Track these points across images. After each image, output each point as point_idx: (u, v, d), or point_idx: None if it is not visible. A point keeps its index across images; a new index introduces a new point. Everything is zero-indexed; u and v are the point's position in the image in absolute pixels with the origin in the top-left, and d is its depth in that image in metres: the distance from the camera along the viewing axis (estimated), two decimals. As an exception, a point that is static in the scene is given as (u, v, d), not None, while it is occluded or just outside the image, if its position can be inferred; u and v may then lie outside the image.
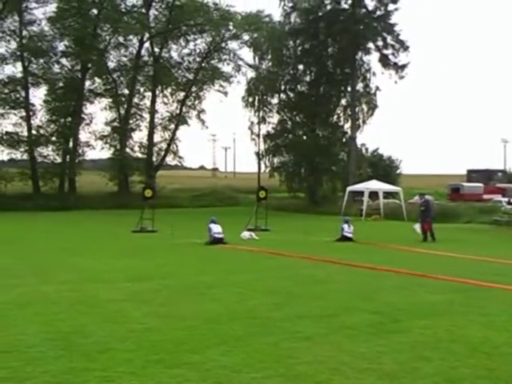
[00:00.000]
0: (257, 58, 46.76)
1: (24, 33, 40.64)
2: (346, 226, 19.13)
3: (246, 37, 45.50)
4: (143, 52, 44.72)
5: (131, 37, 43.48)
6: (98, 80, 44.06)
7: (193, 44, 45.50)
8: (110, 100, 44.12)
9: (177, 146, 46.25)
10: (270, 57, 46.62)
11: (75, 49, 41.46)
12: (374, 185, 35.09)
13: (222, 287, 9.55)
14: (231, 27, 44.56)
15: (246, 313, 7.53)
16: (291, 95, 46.85)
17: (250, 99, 47.98)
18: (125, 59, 44.43)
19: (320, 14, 42.72)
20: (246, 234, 19.81)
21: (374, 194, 35.48)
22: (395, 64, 41.86)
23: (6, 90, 40.64)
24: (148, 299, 8.42)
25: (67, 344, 5.91)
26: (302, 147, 43.43)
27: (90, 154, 45.99)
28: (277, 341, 6.05)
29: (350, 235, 18.89)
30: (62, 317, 7.15)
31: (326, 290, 9.38)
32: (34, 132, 41.06)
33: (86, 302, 8.14)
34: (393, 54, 41.84)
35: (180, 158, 46.75)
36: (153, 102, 44.46)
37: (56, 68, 42.35)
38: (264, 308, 7.83)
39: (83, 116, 43.18)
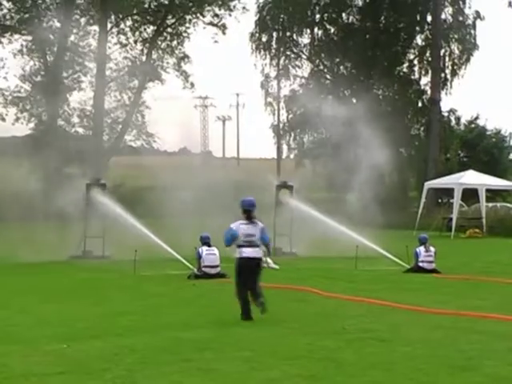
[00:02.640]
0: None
1: None
2: (422, 250, 19.14)
3: None
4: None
5: None
6: (6, 3, 44.17)
7: None
8: (29, 38, 44.24)
9: (143, 117, 46.45)
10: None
11: None
12: (471, 178, 34.91)
13: (220, 349, 9.48)
14: None
15: (259, 393, 7.46)
16: (332, 30, 46.90)
17: (264, 38, 48.11)
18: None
19: None
20: (257, 261, 19.85)
21: (470, 194, 35.31)
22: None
23: None
24: (96, 371, 8.32)
25: None
26: (351, 116, 43.40)
27: (-3, 129, 46.23)
28: None
29: (428, 265, 18.94)
30: None
31: (392, 354, 9.25)
32: None
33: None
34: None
35: (149, 135, 46.94)
36: (102, 41, 44.63)
37: None
38: (289, 384, 7.76)
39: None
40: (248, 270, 12.06)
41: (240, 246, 12.06)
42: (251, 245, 12.07)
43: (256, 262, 12.14)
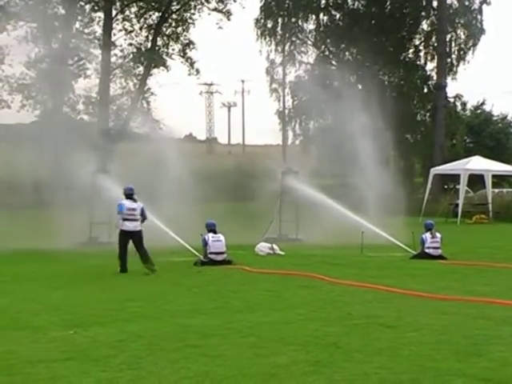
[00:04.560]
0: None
1: None
2: (428, 236, 19.16)
3: None
4: None
5: None
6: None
7: None
8: (34, 25, 44.11)
9: (148, 103, 46.39)
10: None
11: None
12: (478, 164, 34.85)
13: (226, 335, 9.51)
14: None
15: (265, 378, 7.45)
16: (337, 16, 46.72)
17: (269, 23, 47.94)
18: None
19: None
20: (263, 248, 19.92)
21: (476, 180, 35.25)
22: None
23: None
24: (102, 358, 8.35)
25: None
26: (356, 102, 43.37)
27: (1, 116, 46.16)
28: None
29: (434, 251, 19.01)
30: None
31: (398, 340, 9.24)
32: None
33: (-5, 363, 8.10)
34: None
35: (155, 122, 46.85)
36: (107, 28, 44.57)
37: None
38: (294, 370, 7.73)
39: (-14, 51, 43.22)
40: (128, 240, 16.12)
41: (124, 220, 16.15)
42: (133, 219, 16.15)
43: (134, 233, 16.15)
